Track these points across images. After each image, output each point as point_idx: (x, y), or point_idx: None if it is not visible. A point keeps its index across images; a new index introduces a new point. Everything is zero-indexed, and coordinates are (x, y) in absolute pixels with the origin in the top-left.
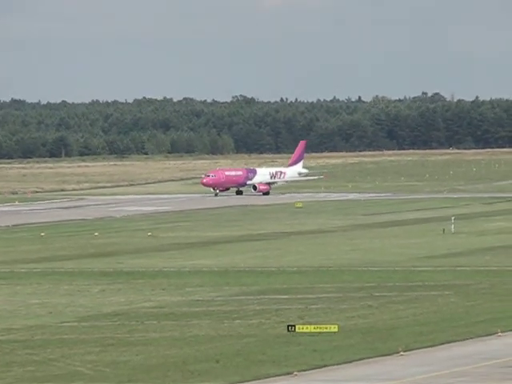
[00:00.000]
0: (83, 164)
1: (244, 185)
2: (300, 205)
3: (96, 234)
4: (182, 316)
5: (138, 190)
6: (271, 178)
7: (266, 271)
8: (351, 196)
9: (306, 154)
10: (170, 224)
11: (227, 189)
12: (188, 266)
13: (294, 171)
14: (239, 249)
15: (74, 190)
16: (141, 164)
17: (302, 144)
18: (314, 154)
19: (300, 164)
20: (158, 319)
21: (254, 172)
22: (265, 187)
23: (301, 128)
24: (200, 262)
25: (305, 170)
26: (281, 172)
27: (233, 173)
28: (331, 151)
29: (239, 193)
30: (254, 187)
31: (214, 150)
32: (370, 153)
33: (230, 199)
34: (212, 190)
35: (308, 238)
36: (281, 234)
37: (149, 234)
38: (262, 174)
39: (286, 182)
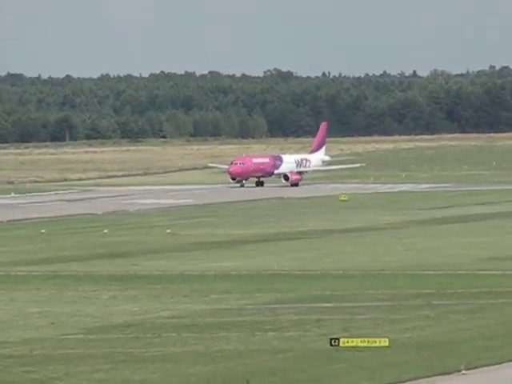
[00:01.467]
0: (90, 149)
1: (271, 174)
2: (345, 198)
3: (106, 231)
4: (206, 328)
5: (155, 180)
6: (297, 166)
7: (304, 275)
8: (405, 187)
9: (351, 138)
10: (192, 220)
11: (246, 179)
12: (213, 269)
13: (317, 159)
14: (273, 249)
15: (79, 179)
16: (158, 149)
17: (323, 126)
18: (361, 138)
19: (323, 150)
20: (177, 331)
21: (281, 159)
22: (298, 177)
23: (346, 107)
24: (227, 265)
25: (327, 158)
26: (306, 159)
27: (260, 160)
28: (381, 134)
29: (260, 184)
30: (286, 177)
31: (244, 132)
32: (427, 136)
33: (261, 191)
34: (231, 180)
35: (354, 237)
36: (323, 231)
37: (168, 231)
38: (288, 162)
39: (313, 170)
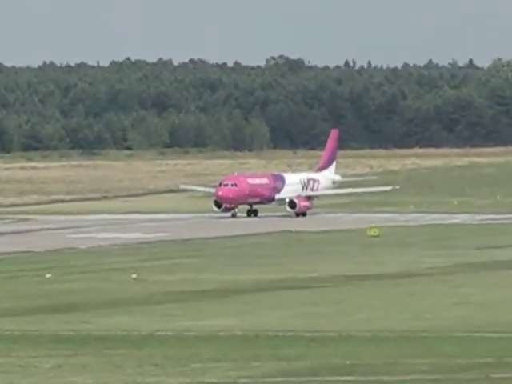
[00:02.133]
0: (29, 164)
1: (271, 200)
2: (376, 232)
3: (48, 275)
4: None
5: (117, 207)
6: (303, 188)
7: (319, 337)
8: (458, 218)
9: (384, 151)
10: (166, 261)
11: (235, 206)
12: (195, 329)
13: (327, 179)
14: (277, 301)
15: (12, 205)
16: (121, 165)
17: (334, 135)
18: (397, 151)
19: (333, 167)
20: None
21: (283, 180)
22: (307, 204)
23: (376, 109)
24: (215, 323)
25: (338, 177)
26: (313, 180)
27: (257, 181)
28: (425, 147)
29: (253, 213)
30: (293, 204)
31: (239, 143)
32: (488, 149)
33: (259, 223)
34: (215, 208)
35: (388, 286)
36: (344, 278)
37: (133, 276)
38: (292, 184)
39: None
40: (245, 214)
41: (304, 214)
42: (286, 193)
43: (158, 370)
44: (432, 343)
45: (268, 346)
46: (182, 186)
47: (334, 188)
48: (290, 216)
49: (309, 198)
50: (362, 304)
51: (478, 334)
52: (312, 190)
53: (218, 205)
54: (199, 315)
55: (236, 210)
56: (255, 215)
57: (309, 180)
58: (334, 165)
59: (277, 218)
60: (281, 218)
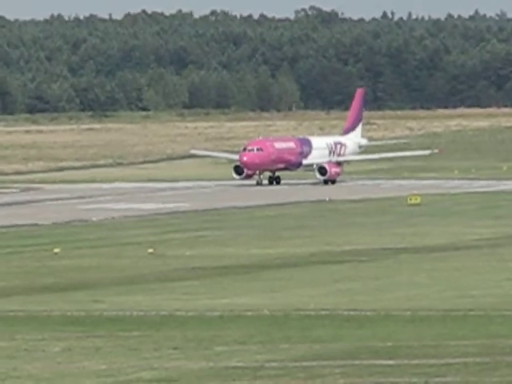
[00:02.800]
0: (34, 128)
1: (298, 165)
2: (417, 200)
3: (56, 250)
4: None
5: (132, 174)
6: (330, 153)
7: (355, 317)
8: (507, 185)
9: (427, 111)
10: (186, 234)
11: (250, 176)
12: (219, 308)
13: (354, 142)
14: (309, 278)
15: (17, 173)
16: (136, 128)
17: (359, 94)
18: (440, 112)
19: (359, 130)
20: None
21: (310, 144)
22: (338, 170)
23: (418, 65)
24: (240, 302)
25: (365, 141)
26: (340, 144)
27: (283, 145)
28: (472, 106)
29: (275, 180)
30: (323, 170)
31: (265, 103)
32: None
33: (291, 190)
34: (235, 174)
35: (431, 260)
36: (383, 251)
37: (149, 250)
38: (319, 148)
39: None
40: (265, 182)
41: (333, 182)
42: (313, 158)
43: (177, 353)
44: (480, 323)
45: (299, 327)
46: (193, 151)
47: (360, 153)
48: (317, 183)
49: (339, 163)
50: (401, 280)
51: None
52: (339, 154)
53: (239, 172)
54: (223, 293)
55: (261, 176)
56: (278, 183)
57: (336, 144)
58: (360, 127)
59: (304, 185)
60: (308, 185)
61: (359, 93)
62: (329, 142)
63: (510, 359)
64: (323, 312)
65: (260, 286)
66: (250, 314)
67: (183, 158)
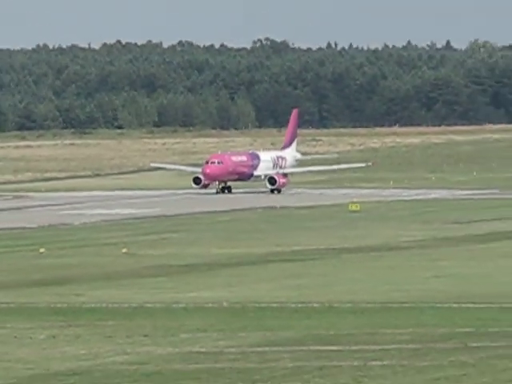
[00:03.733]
0: (23, 143)
1: (250, 176)
2: (357, 207)
3: (42, 250)
4: (173, 377)
5: (108, 184)
6: (274, 166)
7: (303, 309)
8: (435, 194)
9: (365, 129)
10: (155, 236)
11: (206, 185)
12: (184, 301)
13: (291, 156)
14: (263, 274)
15: (8, 182)
16: (112, 144)
17: (295, 114)
18: (378, 130)
19: (294, 145)
20: (136, 382)
21: (258, 158)
22: (285, 180)
23: (358, 89)
24: (202, 295)
25: (299, 155)
26: (281, 157)
27: (239, 158)
28: (405, 125)
29: (227, 189)
30: (273, 180)
31: (225, 122)
32: (465, 128)
33: (245, 198)
34: (194, 185)
35: (369, 259)
36: (327, 251)
37: (123, 250)
38: (266, 161)
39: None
40: (213, 191)
41: (279, 191)
42: (260, 170)
43: (147, 340)
44: (412, 314)
45: (254, 318)
46: (152, 164)
47: (297, 165)
48: (264, 192)
49: (285, 174)
50: (343, 276)
51: (456, 305)
52: (280, 167)
53: (197, 182)
54: (187, 288)
55: (221, 186)
56: (229, 191)
57: (278, 157)
58: (295, 143)
59: (254, 194)
60: (258, 194)
61: (294, 113)
62: (272, 156)
63: (438, 346)
64: (275, 304)
65: (220, 281)
66: (211, 305)
67: (153, 170)
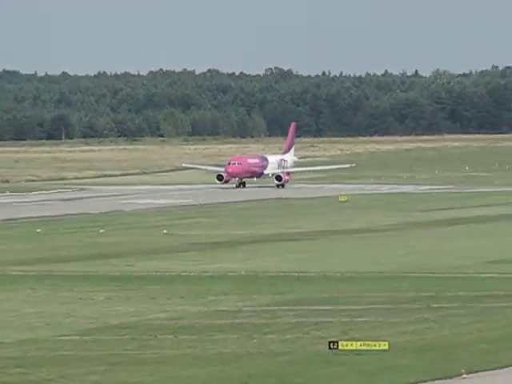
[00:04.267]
0: (87, 148)
1: (260, 174)
2: (345, 199)
3: (102, 231)
4: (203, 329)
5: (153, 180)
6: (278, 166)
7: (303, 277)
8: (406, 188)
9: (352, 138)
10: (189, 220)
11: (227, 181)
12: (211, 270)
13: (291, 159)
14: (272, 250)
15: (75, 178)
16: (155, 148)
17: (293, 127)
18: (361, 139)
19: (292, 151)
20: (174, 333)
21: (267, 160)
22: (288, 178)
23: (346, 107)
24: (225, 266)
25: (296, 158)
26: (284, 160)
27: (253, 160)
28: (382, 135)
29: (242, 185)
30: (279, 177)
31: (243, 132)
32: (429, 137)
33: (262, 192)
34: (217, 181)
35: (354, 239)
36: (322, 233)
37: (164, 231)
38: (272, 163)
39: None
40: (233, 186)
41: (283, 186)
42: (269, 170)
43: (182, 301)
44: (387, 281)
45: (265, 284)
46: (184, 165)
47: (294, 166)
48: (271, 187)
49: (288, 173)
50: (334, 252)
51: (421, 275)
52: (283, 167)
53: (219, 179)
54: (213, 260)
55: (243, 181)
56: (244, 186)
57: (281, 160)
58: (293, 149)
59: (263, 188)
60: (266, 188)
61: (292, 126)
62: (277, 159)
63: (407, 306)
64: (281, 274)
65: (238, 255)
66: (231, 274)
67: (186, 169)
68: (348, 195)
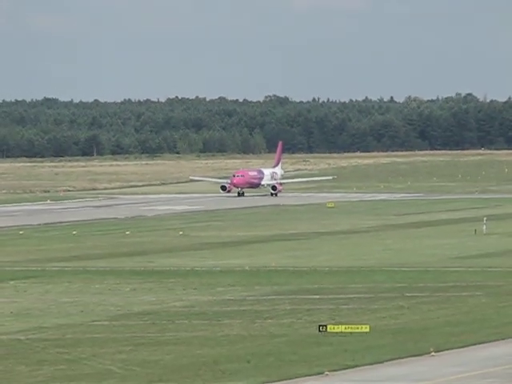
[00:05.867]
0: (115, 163)
1: (258, 185)
2: (332, 205)
3: (127, 232)
4: (213, 315)
5: (170, 189)
6: (271, 178)
7: (297, 271)
8: (383, 196)
9: (338, 154)
10: (201, 223)
11: (229, 191)
12: (219, 266)
13: (280, 172)
14: (271, 249)
15: (105, 188)
16: (172, 163)
17: (280, 145)
18: (345, 154)
19: (280, 165)
20: (188, 318)
21: (263, 173)
22: (281, 188)
23: (333, 128)
24: (231, 262)
25: (283, 171)
26: (275, 172)
27: (252, 173)
28: (363, 151)
29: (242, 194)
30: (274, 188)
31: (246, 149)
32: (402, 153)
33: (260, 199)
34: (221, 191)
35: (340, 238)
36: (312, 233)
37: (180, 233)
38: (266, 175)
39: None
40: (235, 194)
41: (276, 195)
42: (264, 181)
43: (196, 291)
44: (367, 274)
45: (266, 277)
46: (191, 177)
47: (282, 178)
48: (266, 195)
49: (281, 183)
50: (323, 250)
51: (397, 269)
52: (275, 179)
53: (223, 189)
54: (222, 257)
55: (242, 191)
56: (243, 195)
57: (273, 172)
58: (280, 163)
59: (259, 196)
60: (262, 197)
61: (280, 144)
62: (270, 171)
63: (384, 295)
64: (279, 268)
65: (243, 253)
66: (237, 269)
67: (200, 180)
68: (335, 202)
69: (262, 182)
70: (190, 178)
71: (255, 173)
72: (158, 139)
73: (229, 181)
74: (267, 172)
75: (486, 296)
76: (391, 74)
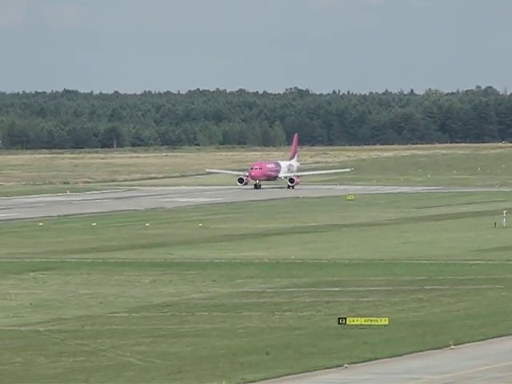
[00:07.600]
0: (135, 155)
1: (275, 178)
2: (352, 197)
3: (147, 224)
4: (232, 307)
5: (190, 181)
6: (287, 171)
7: (317, 263)
8: (403, 189)
9: (358, 147)
10: (221, 215)
11: (246, 183)
12: (239, 258)
13: (296, 164)
14: (290, 241)
15: (125, 180)
16: (192, 155)
17: (296, 137)
18: (365, 147)
19: (296, 157)
20: (208, 310)
21: (280, 165)
22: (298, 180)
23: (353, 120)
24: (251, 254)
25: (298, 164)
26: (291, 165)
27: (270, 165)
28: (383, 144)
29: (258, 186)
30: (292, 180)
31: (266, 141)
32: (422, 146)
33: (279, 191)
34: (239, 183)
35: (359, 231)
36: (332, 226)
37: (200, 225)
38: (283, 167)
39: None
40: (252, 187)
41: (293, 187)
42: (281, 173)
43: (215, 283)
44: (387, 267)
45: (284, 269)
46: (207, 170)
47: (299, 170)
48: (282, 188)
49: (298, 176)
50: (342, 243)
51: (416, 261)
52: (291, 171)
53: (240, 181)
54: (241, 249)
55: (259, 183)
56: (259, 188)
57: (289, 165)
58: (296, 155)
59: (277, 189)
60: (278, 189)
61: (295, 136)
62: (286, 164)
63: (404, 288)
64: (298, 260)
65: (262, 245)
66: (256, 261)
67: (219, 173)
68: (354, 194)
69: (280, 175)
70: (206, 170)
71: (273, 165)
72: (178, 131)
73: (246, 173)
74: (284, 164)
75: (505, 289)
76: (411, 67)
